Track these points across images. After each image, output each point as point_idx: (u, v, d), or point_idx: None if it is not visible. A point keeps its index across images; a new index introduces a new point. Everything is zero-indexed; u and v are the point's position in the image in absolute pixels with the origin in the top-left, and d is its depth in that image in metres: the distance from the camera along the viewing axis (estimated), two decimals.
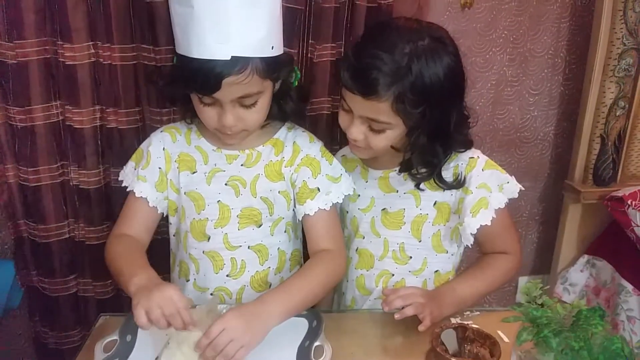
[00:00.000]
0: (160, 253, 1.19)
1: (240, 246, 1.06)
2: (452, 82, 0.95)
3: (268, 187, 1.05)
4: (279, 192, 1.05)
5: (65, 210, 1.31)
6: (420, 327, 0.91)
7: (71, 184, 1.29)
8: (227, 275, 1.07)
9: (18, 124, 1.20)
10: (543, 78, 1.63)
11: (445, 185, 1.03)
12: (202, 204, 1.05)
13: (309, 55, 1.28)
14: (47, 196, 1.27)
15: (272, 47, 0.93)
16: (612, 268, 1.63)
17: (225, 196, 1.05)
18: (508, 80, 1.60)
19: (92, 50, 1.19)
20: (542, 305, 0.74)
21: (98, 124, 1.25)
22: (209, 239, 1.06)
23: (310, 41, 1.26)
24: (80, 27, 1.16)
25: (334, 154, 1.13)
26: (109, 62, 1.20)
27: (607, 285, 1.66)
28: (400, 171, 1.06)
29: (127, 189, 1.06)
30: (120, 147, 1.26)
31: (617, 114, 1.56)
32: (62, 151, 1.27)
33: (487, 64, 1.56)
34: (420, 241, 1.07)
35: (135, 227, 1.05)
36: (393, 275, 1.09)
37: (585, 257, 1.70)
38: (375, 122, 0.96)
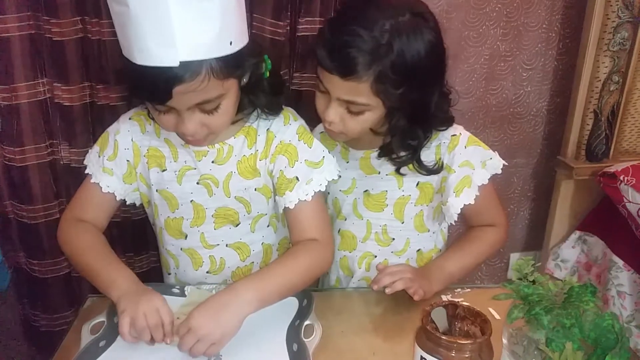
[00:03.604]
0: (137, 234, 1.18)
1: (218, 245, 1.02)
2: (433, 59, 0.89)
3: (242, 186, 0.98)
4: (255, 189, 0.99)
5: (56, 190, 1.28)
6: (416, 297, 0.91)
7: (62, 162, 1.26)
8: (207, 272, 1.04)
9: (1, 102, 1.17)
10: (537, 52, 1.60)
11: (425, 171, 0.99)
12: (175, 204, 0.99)
13: (296, 30, 1.23)
14: (34, 176, 1.24)
15: (231, 43, 0.80)
16: (604, 244, 1.64)
17: (198, 196, 0.98)
18: (501, 54, 1.58)
19: (80, 26, 1.15)
20: (533, 282, 0.73)
21: (88, 100, 1.22)
22: (186, 237, 1.02)
23: (298, 16, 1.21)
24: (65, 1, 1.12)
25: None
26: (98, 37, 1.16)
27: (598, 261, 1.67)
28: (379, 156, 1.02)
29: (92, 180, 0.98)
30: (111, 124, 1.22)
31: (611, 89, 1.55)
32: (51, 129, 1.23)
33: (481, 37, 1.53)
34: (403, 222, 1.06)
35: (95, 213, 0.99)
36: (375, 256, 1.08)
37: (577, 234, 1.71)
38: (354, 104, 0.90)
